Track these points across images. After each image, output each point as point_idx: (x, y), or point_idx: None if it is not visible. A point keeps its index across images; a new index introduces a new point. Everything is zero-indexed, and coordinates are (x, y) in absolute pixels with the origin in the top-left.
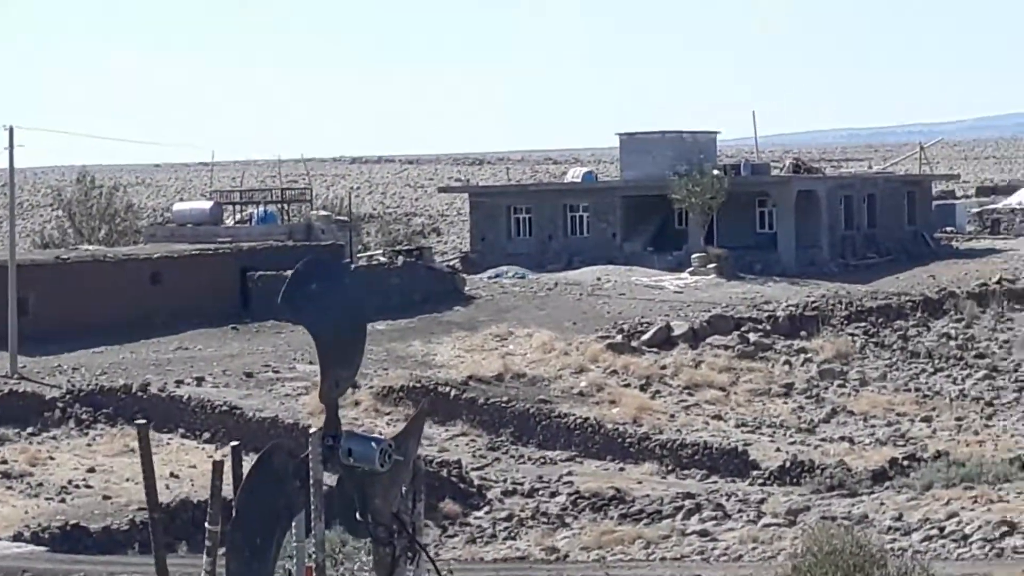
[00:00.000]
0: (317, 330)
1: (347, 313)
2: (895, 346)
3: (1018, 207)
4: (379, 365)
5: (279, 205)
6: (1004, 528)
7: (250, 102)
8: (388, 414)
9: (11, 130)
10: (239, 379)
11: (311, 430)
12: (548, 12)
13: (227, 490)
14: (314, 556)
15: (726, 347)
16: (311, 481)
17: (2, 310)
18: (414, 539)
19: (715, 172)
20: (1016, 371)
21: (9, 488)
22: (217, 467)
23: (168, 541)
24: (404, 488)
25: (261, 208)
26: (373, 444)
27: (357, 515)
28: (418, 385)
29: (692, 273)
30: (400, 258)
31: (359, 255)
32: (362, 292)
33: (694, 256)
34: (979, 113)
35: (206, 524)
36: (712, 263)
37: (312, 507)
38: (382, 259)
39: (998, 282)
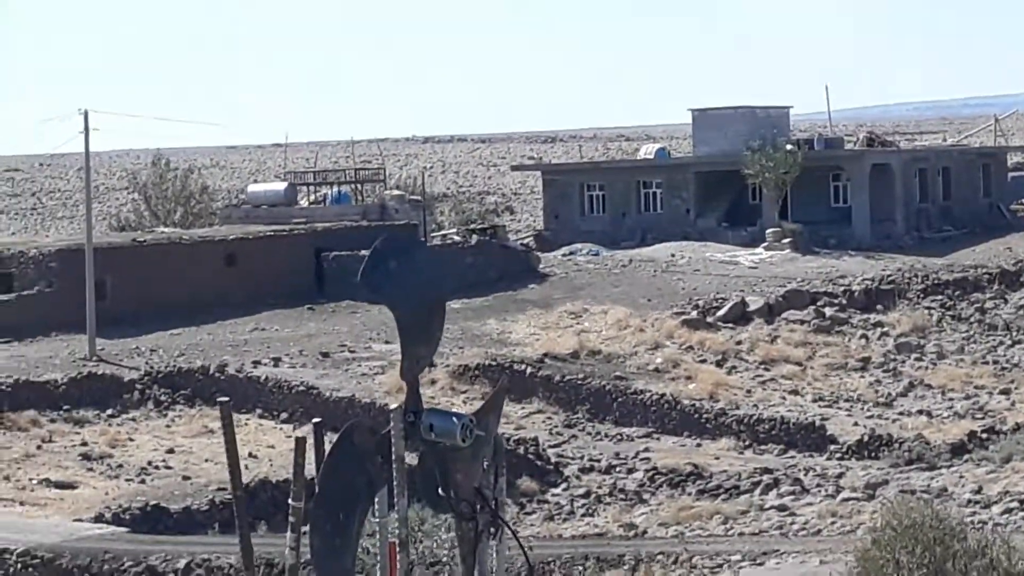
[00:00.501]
0: (396, 308)
1: (426, 290)
2: (972, 319)
3: None
4: (455, 344)
5: (353, 185)
6: None
7: (323, 83)
8: (464, 392)
9: (86, 114)
10: (315, 359)
11: (390, 407)
12: None
13: (309, 468)
14: (397, 532)
15: (802, 322)
16: (393, 457)
17: (80, 293)
18: (496, 514)
19: (788, 147)
20: None
21: (90, 470)
22: (299, 444)
23: (248, 520)
24: (485, 464)
25: (335, 189)
26: (454, 419)
27: (439, 491)
28: (494, 363)
29: (767, 248)
30: (474, 237)
31: (433, 234)
32: (440, 269)
33: (768, 231)
34: None
35: (289, 501)
36: (787, 238)
37: (394, 483)
38: (456, 238)
39: None
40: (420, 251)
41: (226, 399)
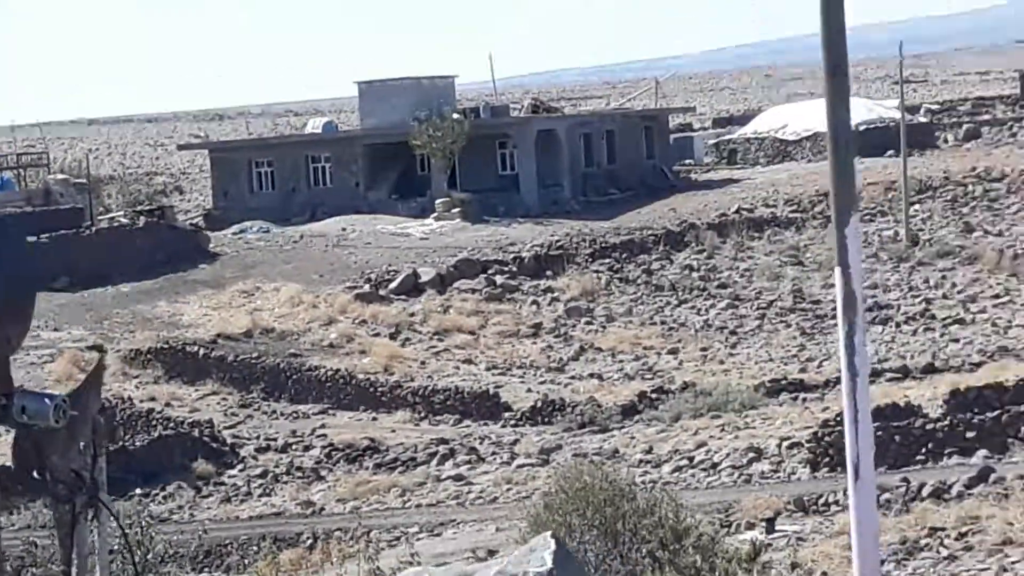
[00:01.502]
0: None
1: (12, 270)
2: (639, 281)
3: (753, 137)
4: (125, 328)
5: (15, 171)
6: (751, 455)
7: None
8: (136, 377)
9: None
10: None
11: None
12: None
13: None
14: None
15: (473, 291)
16: None
17: None
18: (95, 495)
19: (455, 116)
20: (757, 299)
21: None
22: None
23: None
24: (83, 444)
25: None
26: (47, 400)
27: (35, 474)
28: (166, 346)
29: (437, 218)
30: (142, 219)
31: (100, 217)
32: (27, 252)
33: (438, 201)
34: (706, 46)
35: None
36: (456, 207)
37: None
38: (124, 220)
39: (736, 212)
40: (4, 233)
41: None
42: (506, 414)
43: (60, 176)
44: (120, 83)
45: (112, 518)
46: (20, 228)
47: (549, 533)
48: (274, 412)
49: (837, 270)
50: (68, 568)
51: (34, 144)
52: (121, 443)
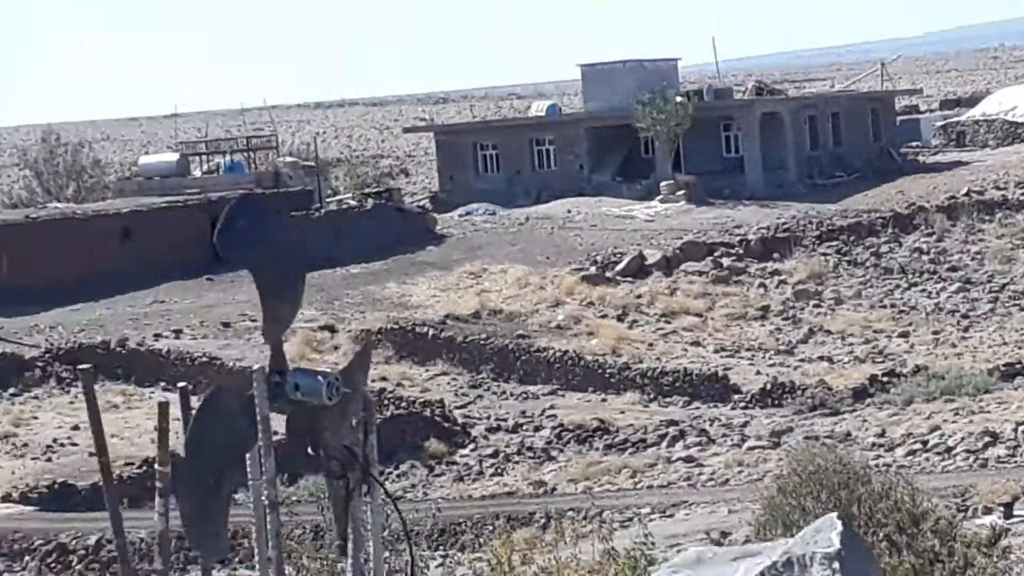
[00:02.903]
0: (253, 266)
1: (281, 249)
2: (868, 263)
3: (982, 118)
4: (356, 308)
5: (245, 154)
6: (987, 438)
7: (211, 51)
8: None
9: None
10: (216, 329)
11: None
12: None
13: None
14: (266, 494)
15: (700, 273)
16: (258, 419)
17: None
18: (367, 471)
19: (678, 99)
20: (989, 282)
21: None
22: (162, 409)
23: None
24: (355, 421)
25: (228, 157)
26: (320, 378)
27: (308, 450)
28: (396, 327)
29: (662, 201)
30: (370, 201)
31: (328, 199)
32: (294, 229)
33: (663, 184)
34: (929, 27)
35: (155, 466)
36: (681, 190)
37: (260, 445)
38: (352, 203)
39: (966, 194)
40: (273, 211)
41: (87, 366)
42: (735, 396)
43: (289, 159)
44: (346, 67)
45: (385, 494)
46: (277, 207)
47: (835, 515)
48: (503, 393)
49: None
50: (344, 542)
51: (262, 127)
52: None
